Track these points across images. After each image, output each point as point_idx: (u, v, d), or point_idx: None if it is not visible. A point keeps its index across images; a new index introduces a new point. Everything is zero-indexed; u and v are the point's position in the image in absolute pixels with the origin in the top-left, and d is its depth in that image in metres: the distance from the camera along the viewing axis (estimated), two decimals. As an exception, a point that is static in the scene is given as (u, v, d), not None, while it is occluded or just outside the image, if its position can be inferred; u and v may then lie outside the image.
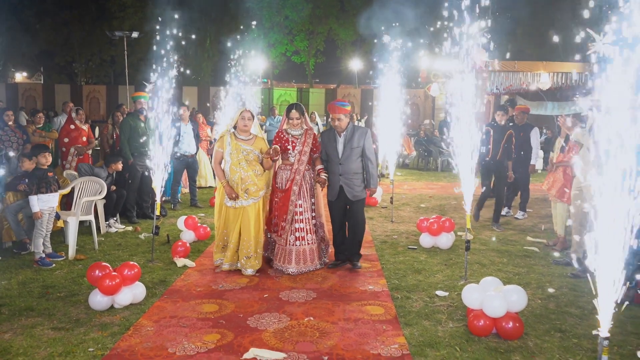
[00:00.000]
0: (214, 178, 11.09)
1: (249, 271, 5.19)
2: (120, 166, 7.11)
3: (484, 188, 7.51)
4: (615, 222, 2.19)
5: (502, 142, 7.19)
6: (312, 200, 5.42)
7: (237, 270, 5.28)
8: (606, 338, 2.39)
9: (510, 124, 7.69)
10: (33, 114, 9.42)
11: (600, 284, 2.35)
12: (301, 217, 5.30)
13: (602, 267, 2.30)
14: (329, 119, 5.49)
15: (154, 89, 5.61)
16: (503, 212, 7.91)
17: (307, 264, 5.30)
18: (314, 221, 5.43)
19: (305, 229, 5.32)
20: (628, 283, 4.53)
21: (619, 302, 4.34)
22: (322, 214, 5.59)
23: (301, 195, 5.31)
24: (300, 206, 5.30)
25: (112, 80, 29.26)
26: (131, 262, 4.50)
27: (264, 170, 5.31)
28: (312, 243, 5.35)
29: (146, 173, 6.94)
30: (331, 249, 5.68)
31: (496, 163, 7.28)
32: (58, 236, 6.33)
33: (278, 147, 5.16)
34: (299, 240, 5.28)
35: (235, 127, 5.30)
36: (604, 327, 2.39)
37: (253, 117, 5.30)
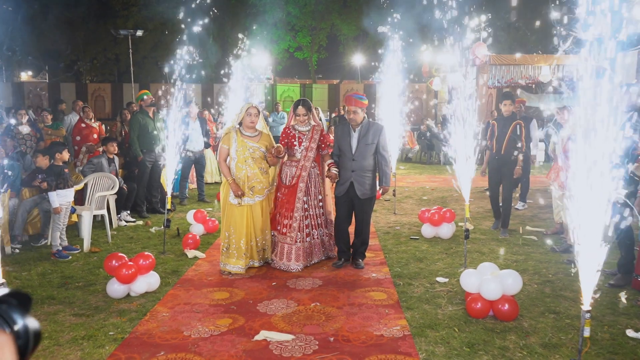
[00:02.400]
0: (220, 174, 11.33)
1: (256, 263, 5.27)
2: (115, 147, 7.16)
3: (491, 189, 6.93)
4: (593, 201, 2.39)
5: (507, 135, 6.51)
6: (319, 197, 5.42)
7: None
8: (588, 311, 2.60)
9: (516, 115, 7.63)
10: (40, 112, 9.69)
11: (581, 261, 2.55)
12: (306, 213, 5.31)
13: (583, 244, 2.50)
14: (345, 113, 5.46)
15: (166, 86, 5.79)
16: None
17: (313, 258, 5.38)
18: (323, 217, 5.46)
19: (311, 225, 5.35)
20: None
21: (614, 284, 4.56)
22: (331, 212, 5.59)
23: (307, 192, 5.31)
24: (306, 203, 5.30)
25: (117, 78, 29.49)
26: (146, 253, 4.74)
27: (269, 167, 5.29)
28: (316, 238, 5.41)
29: (159, 162, 7.13)
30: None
31: (501, 158, 6.60)
32: (72, 230, 6.57)
33: (281, 147, 5.10)
34: (309, 236, 5.33)
35: (240, 124, 5.20)
36: (586, 301, 2.60)
37: (259, 113, 5.20)
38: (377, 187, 5.41)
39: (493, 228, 6.94)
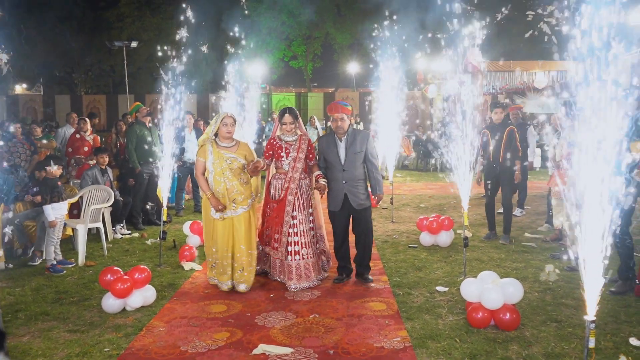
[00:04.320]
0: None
1: (242, 287, 4.87)
2: (106, 159, 7.07)
3: (487, 197, 6.85)
4: (595, 208, 2.35)
5: (502, 142, 6.54)
6: (310, 210, 5.13)
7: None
8: (592, 321, 2.55)
9: (509, 121, 7.64)
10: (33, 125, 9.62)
11: (585, 270, 2.51)
12: (296, 229, 4.98)
13: (587, 253, 2.46)
14: (330, 122, 5.10)
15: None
16: (500, 210, 8.04)
17: (302, 281, 4.97)
18: (312, 233, 5.12)
19: (300, 243, 4.98)
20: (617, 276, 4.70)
21: (615, 291, 4.51)
22: (322, 225, 5.35)
23: (297, 206, 4.99)
24: (295, 218, 4.98)
25: (112, 89, 29.47)
26: (141, 266, 4.67)
27: (251, 178, 5.00)
28: (307, 257, 5.01)
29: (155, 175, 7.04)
30: (333, 263, 5.41)
31: (499, 166, 6.58)
32: (67, 244, 6.49)
33: (260, 161, 4.85)
34: (291, 254, 4.97)
35: (216, 134, 4.93)
36: (591, 311, 2.55)
37: (235, 122, 4.93)
38: (373, 195, 5.23)
39: (485, 238, 6.77)
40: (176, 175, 8.21)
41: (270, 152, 5.12)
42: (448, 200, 9.93)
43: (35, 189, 5.78)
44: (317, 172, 5.04)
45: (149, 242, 6.93)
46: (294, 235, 4.99)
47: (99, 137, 8.76)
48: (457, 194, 5.20)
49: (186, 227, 6.70)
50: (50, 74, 29.54)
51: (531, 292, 4.71)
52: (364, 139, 5.02)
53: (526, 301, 4.40)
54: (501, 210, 7.82)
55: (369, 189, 5.17)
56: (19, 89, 32.30)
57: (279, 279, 5.12)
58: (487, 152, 6.73)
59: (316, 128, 13.99)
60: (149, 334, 3.96)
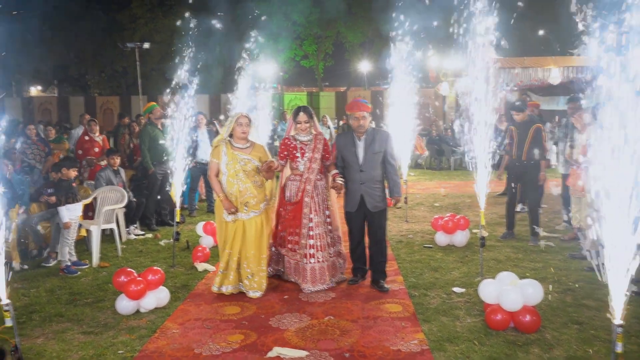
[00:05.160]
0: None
1: (252, 293, 4.74)
2: (117, 160, 7.06)
3: (508, 193, 6.80)
4: (623, 209, 2.26)
5: (527, 140, 6.38)
6: (327, 212, 5.03)
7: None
8: (620, 325, 2.46)
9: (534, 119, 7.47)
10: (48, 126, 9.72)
11: (610, 272, 2.42)
12: (312, 232, 4.88)
13: (613, 255, 2.37)
14: (350, 120, 4.94)
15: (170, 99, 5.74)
16: (518, 209, 7.92)
17: (317, 284, 4.87)
18: (330, 235, 5.03)
19: (316, 246, 4.88)
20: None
21: (638, 292, 4.39)
22: (338, 227, 5.20)
23: (313, 208, 4.89)
24: (312, 220, 4.88)
25: (125, 90, 29.66)
26: (155, 267, 4.65)
27: (265, 180, 4.90)
28: (322, 261, 4.89)
29: (168, 177, 7.05)
30: (348, 264, 5.28)
31: (522, 165, 6.46)
32: (81, 245, 6.50)
33: (274, 162, 4.74)
34: (306, 257, 4.87)
35: (231, 135, 4.85)
36: (617, 314, 2.46)
37: (250, 122, 4.84)
38: (390, 197, 5.09)
39: (502, 238, 6.64)
40: (188, 175, 8.20)
41: (285, 153, 4.99)
42: (462, 199, 9.80)
43: (49, 190, 5.79)
44: (334, 171, 4.88)
45: (162, 243, 6.92)
46: (310, 238, 4.90)
47: (107, 138, 8.77)
48: (471, 193, 5.09)
49: (199, 228, 6.67)
50: (64, 75, 29.83)
51: (551, 293, 4.60)
52: (383, 138, 4.87)
53: (546, 302, 4.29)
54: (517, 209, 7.71)
55: (386, 190, 5.01)
56: (34, 90, 32.66)
57: (293, 280, 5.05)
58: (512, 150, 6.59)
59: (328, 127, 13.91)
60: (163, 336, 3.93)
